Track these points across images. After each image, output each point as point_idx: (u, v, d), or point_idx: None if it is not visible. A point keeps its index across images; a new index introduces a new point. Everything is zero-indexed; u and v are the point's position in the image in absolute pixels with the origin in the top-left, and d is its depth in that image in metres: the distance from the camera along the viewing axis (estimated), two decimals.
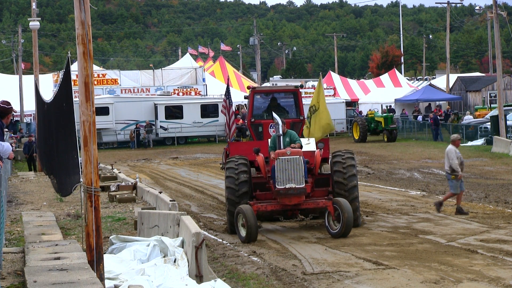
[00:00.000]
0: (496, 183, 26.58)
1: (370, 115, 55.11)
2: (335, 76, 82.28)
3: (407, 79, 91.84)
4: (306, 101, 33.89)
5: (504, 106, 45.53)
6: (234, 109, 26.68)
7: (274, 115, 18.22)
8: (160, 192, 20.31)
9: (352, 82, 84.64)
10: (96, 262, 10.69)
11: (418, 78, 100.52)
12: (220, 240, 16.90)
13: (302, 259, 14.37)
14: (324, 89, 65.19)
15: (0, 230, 10.84)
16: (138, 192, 23.68)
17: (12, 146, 13.16)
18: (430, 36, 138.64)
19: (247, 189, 17.57)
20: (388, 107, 67.07)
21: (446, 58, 72.71)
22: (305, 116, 22.27)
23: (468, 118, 53.85)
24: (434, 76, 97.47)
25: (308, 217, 19.42)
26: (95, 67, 69.56)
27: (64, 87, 18.32)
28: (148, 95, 63.01)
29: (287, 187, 16.84)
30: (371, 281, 12.43)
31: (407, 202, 22.36)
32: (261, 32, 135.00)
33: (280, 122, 17.88)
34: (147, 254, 12.46)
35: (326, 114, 21.95)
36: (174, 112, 58.00)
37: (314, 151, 20.51)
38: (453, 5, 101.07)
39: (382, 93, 75.20)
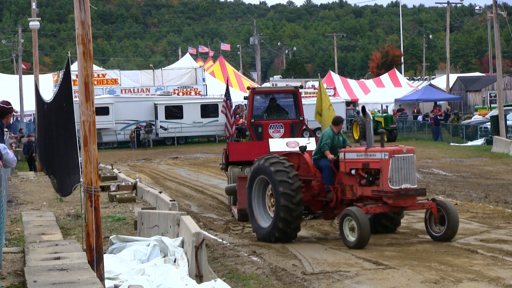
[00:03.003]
0: (496, 183, 26.58)
1: None
2: (335, 76, 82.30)
3: (407, 79, 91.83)
4: (306, 101, 33.91)
5: (504, 106, 45.53)
6: (234, 109, 26.71)
7: (367, 110, 16.55)
8: (160, 192, 20.32)
9: (352, 82, 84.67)
10: (96, 262, 10.70)
11: (417, 78, 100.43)
12: (220, 240, 16.89)
13: (302, 259, 14.37)
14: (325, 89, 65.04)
15: (0, 230, 10.84)
16: (138, 192, 23.69)
17: (12, 146, 13.17)
18: (430, 36, 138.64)
19: (302, 194, 16.19)
20: (385, 107, 67.03)
21: (446, 58, 72.75)
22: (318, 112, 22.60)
23: (477, 117, 53.74)
24: (434, 76, 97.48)
25: (307, 217, 19.42)
26: (95, 67, 69.56)
27: (64, 87, 18.33)
28: (148, 95, 63.05)
29: (402, 187, 15.36)
30: (371, 281, 12.43)
31: None
32: (261, 32, 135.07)
33: (371, 118, 16.53)
34: (147, 254, 12.46)
35: (333, 112, 22.31)
36: (174, 112, 58.03)
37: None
38: (453, 5, 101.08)
39: (382, 93, 75.21)
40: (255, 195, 17.01)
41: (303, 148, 17.02)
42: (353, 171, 16.06)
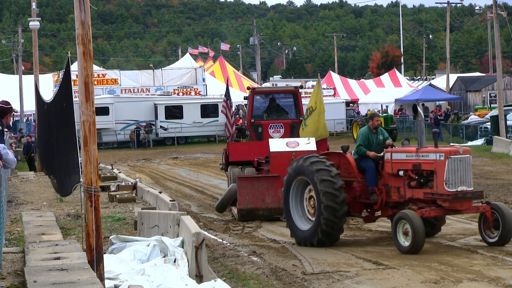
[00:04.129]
0: (496, 183, 26.57)
1: None
2: (335, 76, 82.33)
3: (407, 79, 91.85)
4: (306, 102, 33.82)
5: (504, 106, 45.53)
6: (234, 110, 26.69)
7: (418, 109, 15.86)
8: (160, 192, 20.32)
9: (352, 82, 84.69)
10: (96, 262, 10.69)
11: (418, 78, 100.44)
12: (220, 240, 16.89)
13: (302, 259, 14.37)
14: (324, 89, 65.00)
15: (0, 230, 10.84)
16: (138, 192, 23.69)
17: (12, 146, 13.18)
18: (430, 36, 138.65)
19: (345, 194, 15.49)
20: (386, 107, 67.06)
21: (446, 58, 72.73)
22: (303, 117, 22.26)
23: (474, 118, 53.76)
24: (434, 76, 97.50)
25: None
26: (95, 67, 69.57)
27: (64, 87, 18.34)
28: (148, 95, 63.07)
29: (459, 190, 14.66)
30: (371, 281, 12.43)
31: None
32: (261, 32, 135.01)
33: (423, 117, 15.85)
34: (147, 254, 12.46)
35: (323, 118, 21.84)
36: (174, 112, 58.05)
37: (314, 150, 20.55)
38: (453, 5, 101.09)
39: (382, 93, 75.20)
40: (293, 198, 16.27)
41: (345, 148, 16.31)
42: (401, 172, 15.30)
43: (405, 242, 14.44)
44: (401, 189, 15.40)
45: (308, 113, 21.90)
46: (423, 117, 15.72)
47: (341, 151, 16.31)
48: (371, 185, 15.79)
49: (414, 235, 14.16)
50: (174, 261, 12.05)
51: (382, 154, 15.84)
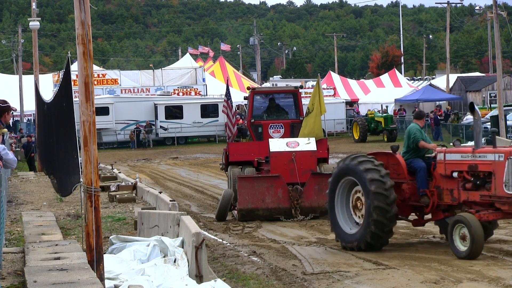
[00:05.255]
0: None
1: (370, 115, 55.12)
2: (335, 76, 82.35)
3: (407, 79, 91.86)
4: (306, 102, 33.79)
5: (504, 106, 45.52)
6: (235, 110, 26.70)
7: (475, 107, 15.09)
8: (160, 192, 20.32)
9: (352, 82, 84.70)
10: (96, 262, 10.69)
11: (418, 78, 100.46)
12: (220, 240, 16.89)
13: (302, 259, 14.37)
14: (324, 89, 64.96)
15: (0, 230, 10.84)
16: (138, 192, 23.69)
17: (12, 146, 13.16)
18: (430, 36, 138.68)
19: (395, 195, 14.72)
20: (386, 107, 67.11)
21: (446, 58, 72.72)
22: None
23: (469, 119, 53.72)
24: (434, 76, 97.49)
25: (307, 217, 19.44)
26: (95, 67, 69.58)
27: (64, 87, 18.34)
28: (148, 95, 63.08)
29: None
30: (371, 281, 12.43)
31: None
32: (261, 32, 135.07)
33: (480, 115, 15.07)
34: (147, 254, 12.46)
35: (319, 120, 21.89)
36: (174, 112, 58.05)
37: (314, 150, 20.57)
38: (453, 5, 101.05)
39: (382, 93, 75.21)
40: (338, 200, 15.55)
41: (395, 148, 15.45)
42: (455, 174, 14.49)
43: (462, 247, 13.73)
44: (454, 192, 14.61)
45: (306, 115, 22.03)
46: (480, 115, 15.01)
47: (390, 151, 15.50)
48: (422, 187, 14.99)
49: (472, 240, 13.46)
50: (174, 261, 12.06)
51: (434, 153, 15.05)
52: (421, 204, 15.10)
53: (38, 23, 42.92)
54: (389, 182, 14.64)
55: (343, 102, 64.82)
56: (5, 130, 12.27)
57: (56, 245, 12.10)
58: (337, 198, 15.57)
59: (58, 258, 10.75)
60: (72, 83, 16.42)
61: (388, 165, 15.20)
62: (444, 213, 15.00)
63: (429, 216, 15.52)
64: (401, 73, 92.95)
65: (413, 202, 15.21)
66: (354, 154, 15.57)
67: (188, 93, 65.08)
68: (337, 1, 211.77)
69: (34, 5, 43.63)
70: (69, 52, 18.93)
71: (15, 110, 58.01)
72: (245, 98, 24.36)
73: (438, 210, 15.02)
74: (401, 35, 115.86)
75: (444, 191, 14.77)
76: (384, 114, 55.01)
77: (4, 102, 12.47)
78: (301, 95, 24.29)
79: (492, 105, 63.81)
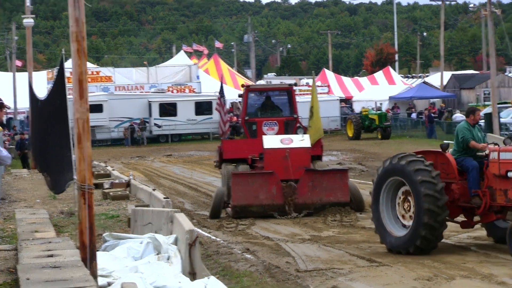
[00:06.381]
0: None
1: (364, 113, 55.14)
2: (329, 74, 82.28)
3: (401, 76, 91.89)
4: (300, 99, 33.90)
5: (498, 104, 45.61)
6: (228, 107, 26.68)
7: None
8: (154, 190, 20.32)
9: (346, 80, 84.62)
10: (89, 260, 10.68)
11: (412, 75, 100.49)
12: (214, 238, 16.90)
13: (296, 256, 14.39)
14: (318, 86, 65.04)
15: None
16: (131, 190, 23.67)
17: (5, 143, 13.13)
18: (425, 34, 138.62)
19: (447, 197, 14.10)
20: (380, 105, 67.15)
21: (440, 56, 72.82)
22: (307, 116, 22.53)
23: (458, 117, 53.74)
24: (428, 74, 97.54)
25: (301, 214, 19.46)
26: (89, 65, 69.45)
27: (58, 85, 18.33)
28: (142, 92, 62.97)
29: None
30: (364, 278, 12.45)
31: None
32: (256, 29, 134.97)
33: None
34: (140, 252, 12.45)
35: (318, 119, 22.13)
36: (168, 109, 57.99)
37: (308, 147, 20.61)
38: (447, 2, 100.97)
39: (376, 90, 75.20)
40: (383, 201, 14.85)
41: (444, 146, 14.65)
42: (510, 174, 13.73)
43: None
44: (509, 192, 13.85)
45: (311, 115, 22.25)
46: None
47: (439, 150, 14.76)
48: (474, 187, 14.27)
49: None
50: (168, 259, 12.05)
51: (487, 152, 14.44)
52: (472, 205, 14.41)
53: (32, 20, 42.77)
54: (440, 183, 14.01)
55: (337, 99, 64.84)
56: None
57: (49, 242, 12.08)
58: (382, 199, 14.92)
59: (51, 256, 10.73)
60: (66, 80, 16.41)
61: (437, 165, 14.53)
62: (497, 215, 14.27)
63: (478, 217, 14.89)
64: (395, 71, 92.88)
65: (463, 203, 14.51)
66: (401, 154, 14.77)
67: (182, 90, 64.99)
68: None
69: (28, 2, 43.50)
70: (63, 50, 18.93)
71: (9, 108, 57.86)
72: (239, 95, 24.38)
73: (490, 211, 14.27)
74: (395, 33, 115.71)
75: (497, 191, 14.05)
76: (378, 112, 55.04)
77: None
78: (295, 93, 24.34)
79: (485, 103, 63.92)
